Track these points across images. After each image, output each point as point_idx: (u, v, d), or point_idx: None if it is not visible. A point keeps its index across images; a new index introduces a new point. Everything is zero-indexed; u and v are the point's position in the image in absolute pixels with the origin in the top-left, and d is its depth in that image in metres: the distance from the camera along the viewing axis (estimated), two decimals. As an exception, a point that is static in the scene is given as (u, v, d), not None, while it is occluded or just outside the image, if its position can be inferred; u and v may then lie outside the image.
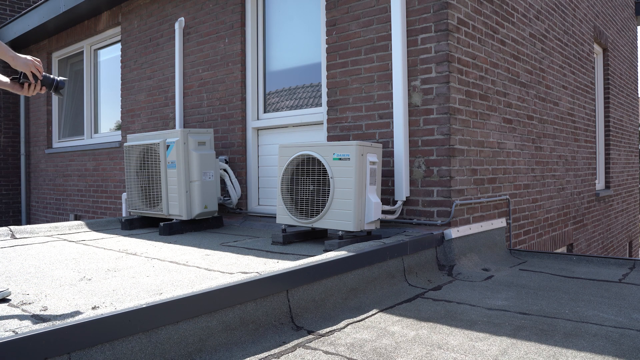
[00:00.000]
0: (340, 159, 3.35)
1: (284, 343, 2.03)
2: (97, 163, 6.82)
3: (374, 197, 3.37)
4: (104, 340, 1.63)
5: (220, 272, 2.74)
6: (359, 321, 2.31)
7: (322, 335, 2.12)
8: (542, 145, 4.92)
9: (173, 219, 4.44)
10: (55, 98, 7.94)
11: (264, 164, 4.83)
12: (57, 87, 2.18)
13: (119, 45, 6.67)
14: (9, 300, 2.19)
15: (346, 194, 3.31)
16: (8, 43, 8.09)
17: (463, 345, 1.98)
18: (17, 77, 2.14)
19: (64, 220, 7.43)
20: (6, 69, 8.42)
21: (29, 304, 2.13)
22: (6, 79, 2.18)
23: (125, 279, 2.62)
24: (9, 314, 1.97)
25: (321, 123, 4.31)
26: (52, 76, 2.18)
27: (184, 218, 4.32)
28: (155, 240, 3.94)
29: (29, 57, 2.08)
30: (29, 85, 2.13)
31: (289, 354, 1.91)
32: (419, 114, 3.60)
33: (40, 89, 2.16)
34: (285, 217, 3.64)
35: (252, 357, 1.88)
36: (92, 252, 3.45)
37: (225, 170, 4.79)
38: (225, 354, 1.90)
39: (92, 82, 7.25)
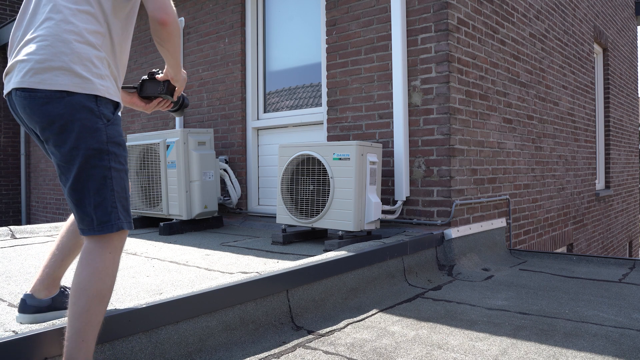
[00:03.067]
0: (340, 158, 3.35)
1: (284, 343, 2.03)
2: (97, 163, 6.81)
3: (374, 197, 3.37)
4: (104, 340, 1.63)
5: (220, 272, 2.74)
6: (359, 321, 2.30)
7: (322, 335, 2.12)
8: (542, 145, 4.92)
9: (173, 219, 4.44)
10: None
11: (264, 164, 4.83)
12: (182, 105, 1.89)
13: (119, 45, 6.67)
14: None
15: (346, 194, 3.31)
16: (8, 43, 8.08)
17: (463, 345, 1.98)
18: (135, 88, 1.82)
19: (64, 220, 7.43)
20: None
21: (29, 304, 2.12)
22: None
23: (125, 278, 2.62)
24: (9, 314, 1.97)
25: (321, 123, 4.31)
26: None
27: (184, 218, 4.32)
28: (155, 240, 3.94)
29: (184, 71, 1.83)
30: (160, 101, 1.84)
31: (289, 354, 1.91)
32: (419, 114, 3.60)
33: (167, 106, 1.88)
34: (285, 217, 3.64)
35: (252, 357, 1.88)
36: (92, 252, 3.44)
37: (225, 170, 4.79)
38: (225, 354, 1.90)
39: (92, 82, 7.24)
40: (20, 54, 1.45)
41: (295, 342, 2.04)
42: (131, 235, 4.26)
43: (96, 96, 1.45)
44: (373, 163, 3.39)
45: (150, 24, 1.57)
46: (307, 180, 3.56)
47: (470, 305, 2.53)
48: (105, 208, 1.45)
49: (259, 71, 4.88)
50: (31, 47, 1.43)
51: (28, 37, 1.46)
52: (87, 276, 1.42)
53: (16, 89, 1.44)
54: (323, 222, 3.43)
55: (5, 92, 1.50)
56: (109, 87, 1.50)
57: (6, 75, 1.50)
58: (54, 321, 1.63)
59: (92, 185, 1.45)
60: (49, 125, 1.42)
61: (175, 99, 1.84)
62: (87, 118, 1.43)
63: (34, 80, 1.41)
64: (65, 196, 1.51)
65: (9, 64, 1.49)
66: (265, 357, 1.88)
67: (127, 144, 4.78)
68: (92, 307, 1.41)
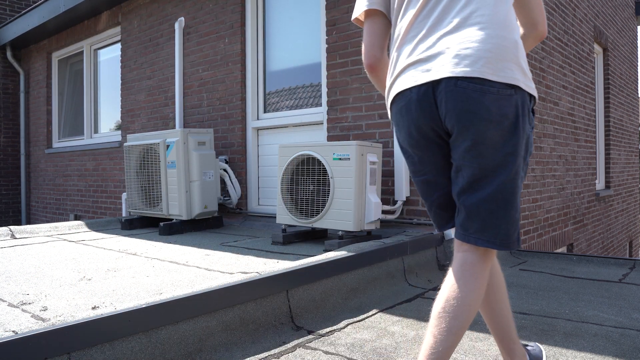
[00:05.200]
0: (340, 158, 3.35)
1: (284, 343, 2.03)
2: (97, 163, 6.82)
3: (374, 197, 3.37)
4: (104, 340, 1.63)
5: (220, 272, 2.74)
6: (359, 321, 2.30)
7: (322, 335, 2.12)
8: (542, 145, 4.92)
9: (173, 219, 4.44)
10: (55, 98, 7.94)
11: (264, 164, 4.83)
12: None
13: (119, 45, 6.68)
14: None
15: (346, 193, 3.31)
16: (8, 43, 8.09)
17: (463, 345, 1.98)
18: None
19: (64, 220, 7.43)
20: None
21: (29, 304, 2.12)
22: None
23: (125, 279, 2.62)
24: (9, 314, 1.97)
25: (321, 123, 4.31)
26: None
27: (184, 218, 4.32)
28: (155, 240, 3.94)
29: None
30: None
31: (289, 354, 1.91)
32: (419, 114, 3.60)
33: None
34: (285, 217, 3.64)
35: (252, 357, 1.88)
36: (92, 252, 3.45)
37: (225, 170, 4.79)
38: (225, 354, 1.90)
39: (92, 82, 7.25)
40: (446, 41, 1.28)
41: (295, 342, 2.04)
42: (131, 235, 4.27)
43: (530, 96, 1.29)
44: (373, 163, 3.39)
45: (532, 37, 1.44)
46: (307, 180, 3.56)
47: (470, 305, 2.53)
48: (513, 223, 1.31)
49: (259, 71, 4.88)
50: (470, 35, 1.26)
51: (454, 23, 1.29)
52: (472, 290, 1.27)
53: (457, 78, 1.24)
54: (323, 222, 3.43)
55: (415, 83, 1.31)
56: None
57: (411, 65, 1.33)
58: (53, 322, 1.63)
59: (509, 196, 1.29)
60: (492, 124, 1.24)
61: None
62: (526, 122, 1.28)
63: (486, 70, 1.23)
64: (465, 202, 1.32)
65: (419, 53, 1.32)
66: (265, 357, 1.88)
67: (127, 144, 4.78)
68: (467, 324, 1.26)
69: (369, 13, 1.48)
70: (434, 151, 1.37)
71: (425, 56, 1.30)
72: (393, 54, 1.42)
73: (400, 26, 1.40)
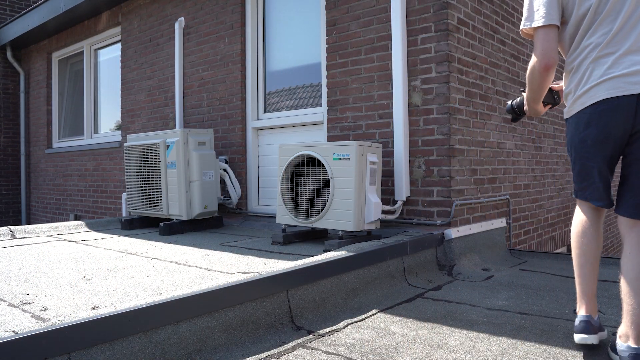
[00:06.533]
0: (340, 159, 3.35)
1: (284, 343, 2.03)
2: (97, 163, 6.82)
3: (374, 197, 3.37)
4: (104, 340, 1.63)
5: (220, 272, 2.74)
6: (359, 321, 2.30)
7: (322, 335, 2.12)
8: (542, 145, 4.92)
9: (173, 219, 4.44)
10: (55, 98, 7.94)
11: (264, 164, 4.83)
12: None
13: (119, 45, 6.68)
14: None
15: (346, 194, 3.31)
16: (8, 43, 8.09)
17: (463, 346, 1.98)
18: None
19: (64, 220, 7.43)
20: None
21: (29, 304, 2.13)
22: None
23: (125, 279, 2.62)
24: (9, 314, 1.97)
25: (321, 123, 4.31)
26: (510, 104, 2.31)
27: (184, 218, 4.32)
28: (155, 240, 3.94)
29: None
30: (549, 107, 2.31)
31: (289, 354, 1.91)
32: (419, 114, 3.60)
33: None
34: (285, 217, 3.64)
35: (252, 357, 1.88)
36: (92, 252, 3.45)
37: (225, 170, 4.79)
38: (225, 354, 1.90)
39: (92, 82, 7.25)
40: None
41: (295, 342, 2.04)
42: (131, 236, 4.27)
43: None
44: (373, 163, 3.39)
45: None
46: (307, 180, 3.56)
47: (470, 306, 2.53)
48: None
49: (259, 71, 4.88)
50: None
51: None
52: None
53: None
54: (323, 222, 3.43)
55: (624, 93, 1.67)
56: None
57: (619, 77, 1.69)
58: (53, 322, 1.63)
59: None
60: None
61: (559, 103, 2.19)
62: None
63: None
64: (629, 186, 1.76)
65: (624, 67, 1.69)
66: (265, 357, 1.89)
67: (127, 144, 4.78)
68: None
69: (546, 25, 1.81)
70: (611, 147, 1.75)
71: (633, 71, 1.67)
72: (584, 64, 1.78)
73: (592, 41, 1.76)
